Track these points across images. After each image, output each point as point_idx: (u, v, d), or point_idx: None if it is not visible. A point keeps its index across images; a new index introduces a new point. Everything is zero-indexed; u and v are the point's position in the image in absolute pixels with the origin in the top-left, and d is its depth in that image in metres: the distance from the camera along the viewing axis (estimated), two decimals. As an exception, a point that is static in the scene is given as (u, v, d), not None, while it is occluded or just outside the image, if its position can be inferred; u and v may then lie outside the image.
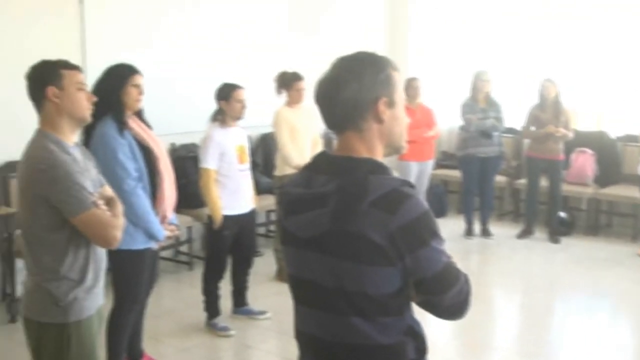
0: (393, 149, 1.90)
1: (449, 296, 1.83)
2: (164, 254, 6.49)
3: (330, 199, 1.77)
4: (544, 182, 7.70)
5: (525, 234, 7.86)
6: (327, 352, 1.89)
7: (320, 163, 1.89)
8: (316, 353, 1.94)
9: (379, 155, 1.86)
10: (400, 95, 1.86)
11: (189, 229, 6.49)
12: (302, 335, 1.98)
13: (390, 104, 1.83)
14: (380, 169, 1.80)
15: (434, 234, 1.77)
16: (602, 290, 6.24)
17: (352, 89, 1.78)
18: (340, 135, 1.87)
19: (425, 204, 1.77)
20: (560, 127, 7.36)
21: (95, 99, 2.83)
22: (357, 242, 1.73)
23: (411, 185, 1.78)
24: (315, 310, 1.90)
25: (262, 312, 5.40)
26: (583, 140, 8.10)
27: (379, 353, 1.83)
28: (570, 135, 7.46)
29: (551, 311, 5.97)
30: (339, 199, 1.76)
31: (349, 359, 1.85)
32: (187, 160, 6.61)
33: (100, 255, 2.86)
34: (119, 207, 2.86)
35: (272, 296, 5.85)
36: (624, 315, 5.72)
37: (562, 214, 7.92)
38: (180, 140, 6.74)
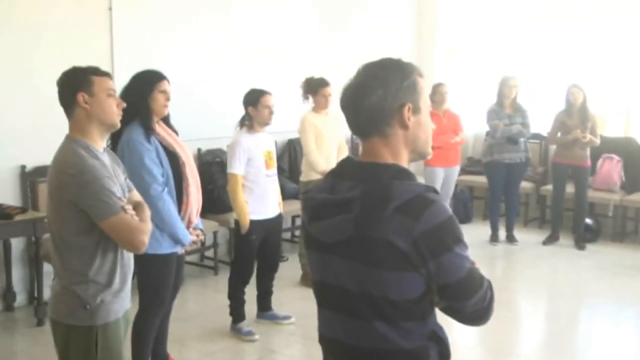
0: (418, 155, 1.90)
1: (472, 302, 1.84)
2: (190, 258, 6.54)
3: (354, 205, 1.78)
4: (570, 189, 7.66)
5: (551, 240, 7.81)
6: (351, 357, 1.90)
7: (345, 169, 1.90)
8: (340, 357, 1.95)
9: (404, 161, 1.87)
10: (425, 102, 1.87)
11: (215, 234, 6.53)
12: (326, 340, 2.00)
13: (416, 110, 1.83)
14: (405, 174, 1.81)
15: (458, 240, 1.77)
16: (628, 297, 6.18)
17: (378, 96, 1.79)
18: (365, 141, 1.88)
19: (449, 210, 1.77)
20: (586, 133, 7.33)
21: (124, 105, 2.87)
22: (381, 248, 1.74)
23: (435, 191, 1.79)
24: (339, 315, 1.91)
25: (287, 317, 5.42)
26: (610, 146, 8.04)
27: (402, 358, 1.84)
28: (597, 141, 7.42)
29: (576, 318, 5.93)
30: (363, 204, 1.76)
31: None
32: (213, 166, 6.67)
33: (128, 259, 2.90)
34: (147, 212, 2.90)
35: (296, 301, 5.87)
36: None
37: (588, 221, 7.87)
38: (206, 146, 6.79)
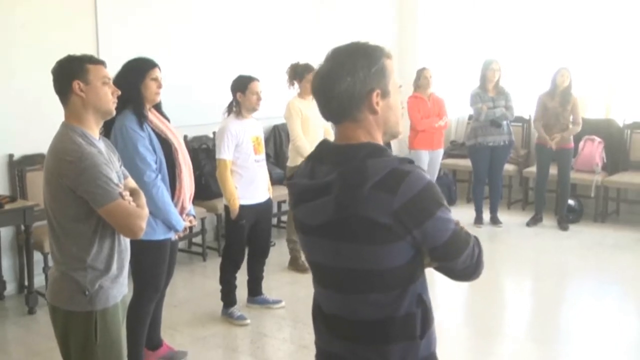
0: (389, 136, 1.97)
1: (462, 260, 1.93)
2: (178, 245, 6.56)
3: (333, 187, 1.84)
4: (552, 170, 7.76)
5: (534, 221, 7.93)
6: (346, 329, 1.98)
7: (322, 153, 1.97)
8: (336, 331, 2.01)
9: (378, 141, 1.93)
10: (394, 84, 1.93)
11: (203, 220, 6.57)
12: (321, 314, 2.06)
13: (384, 94, 1.90)
14: (379, 151, 1.87)
15: (439, 204, 1.84)
16: (611, 276, 6.30)
17: (347, 83, 1.85)
18: (338, 126, 1.95)
19: (426, 177, 1.84)
20: (565, 116, 7.48)
21: (119, 92, 2.90)
22: (364, 226, 1.81)
23: (411, 161, 1.86)
24: (332, 291, 1.99)
25: (277, 301, 5.48)
26: (591, 128, 8.15)
27: (393, 326, 1.91)
28: (578, 129, 7.55)
29: (560, 297, 6.03)
30: (341, 185, 1.83)
31: (367, 335, 1.94)
32: (199, 152, 6.69)
33: (125, 245, 2.93)
34: (143, 198, 2.94)
35: (286, 285, 5.94)
36: (633, 301, 5.77)
37: (571, 202, 7.98)
38: (192, 133, 6.80)
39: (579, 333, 5.05)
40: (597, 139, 8.07)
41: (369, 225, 1.80)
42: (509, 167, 8.33)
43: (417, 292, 1.93)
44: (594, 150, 8.04)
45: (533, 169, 8.11)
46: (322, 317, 2.06)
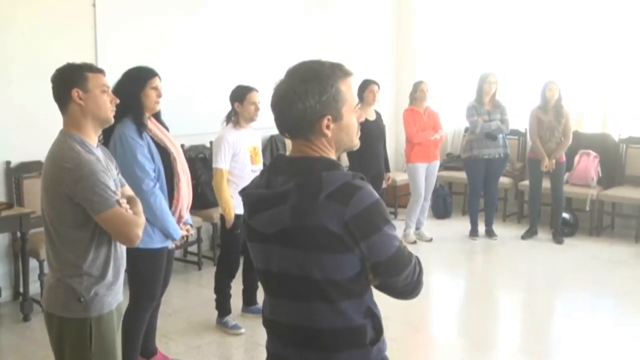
0: (343, 150, 2.08)
1: (403, 277, 2.02)
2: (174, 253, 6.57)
3: (289, 197, 1.93)
4: (546, 184, 7.79)
5: (529, 234, 7.95)
6: (296, 337, 2.05)
7: (278, 164, 2.07)
8: (286, 339, 2.08)
9: (332, 156, 2.03)
10: (348, 107, 2.01)
11: (198, 229, 6.56)
12: (272, 323, 2.13)
13: (335, 118, 1.99)
14: (333, 165, 1.98)
15: (386, 221, 1.95)
16: (605, 290, 6.31)
17: (298, 109, 1.96)
18: (293, 141, 2.05)
19: (375, 195, 1.94)
20: (560, 129, 7.51)
21: (118, 101, 2.92)
22: (317, 233, 1.90)
23: (362, 178, 1.96)
24: (282, 300, 2.06)
25: (272, 311, 5.47)
26: (587, 142, 8.21)
27: (343, 335, 1.99)
28: (568, 142, 7.59)
29: (554, 311, 6.05)
30: (297, 195, 1.92)
31: (317, 342, 2.01)
32: (196, 161, 6.71)
33: (121, 253, 2.95)
34: (140, 206, 2.96)
35: (280, 295, 5.93)
36: (627, 315, 5.77)
37: (566, 215, 8.01)
38: (189, 142, 6.82)
39: (573, 347, 5.05)
40: (593, 153, 8.11)
41: (321, 233, 1.89)
42: (504, 180, 8.36)
43: (365, 305, 2.02)
44: (589, 164, 8.08)
45: (528, 182, 8.13)
46: (271, 325, 2.13)
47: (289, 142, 5.98)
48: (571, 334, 5.29)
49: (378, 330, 2.06)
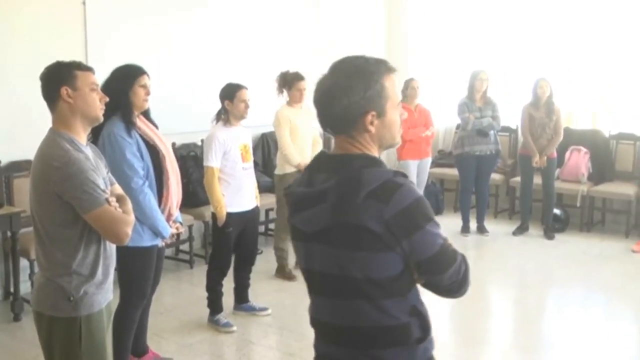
0: (386, 147, 2.05)
1: (448, 276, 1.97)
2: (165, 252, 6.55)
3: (329, 195, 1.92)
4: (538, 180, 7.81)
5: (521, 230, 7.96)
6: (340, 336, 2.03)
7: (320, 162, 2.05)
8: (330, 338, 2.07)
9: (374, 153, 2.00)
10: (392, 102, 1.99)
11: (190, 227, 6.56)
12: (317, 322, 2.13)
13: (380, 115, 1.96)
14: (373, 162, 1.95)
15: (428, 218, 1.91)
16: (596, 285, 6.33)
17: (342, 105, 1.93)
18: (335, 137, 2.03)
19: (418, 192, 1.91)
20: (551, 126, 7.55)
21: (107, 99, 2.91)
22: (357, 232, 1.88)
23: (404, 175, 1.92)
24: (325, 298, 2.05)
25: (264, 309, 5.48)
26: (577, 138, 8.23)
27: (387, 333, 1.97)
28: (559, 139, 7.63)
29: (546, 306, 6.08)
30: (337, 194, 1.90)
31: (361, 340, 1.99)
32: (187, 160, 6.70)
33: (110, 251, 2.94)
34: (129, 205, 2.95)
35: (272, 293, 5.94)
36: (618, 310, 5.80)
37: (557, 211, 8.04)
38: (181, 140, 6.81)
39: (565, 342, 5.06)
40: (583, 149, 8.13)
41: (361, 232, 1.87)
42: (495, 177, 8.38)
43: (410, 304, 1.99)
44: (580, 160, 8.10)
45: (519, 178, 8.15)
46: (317, 323, 2.12)
47: (284, 140, 6.01)
48: (563, 330, 5.31)
49: (425, 329, 2.02)
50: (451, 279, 1.98)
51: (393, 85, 1.99)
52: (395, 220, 1.85)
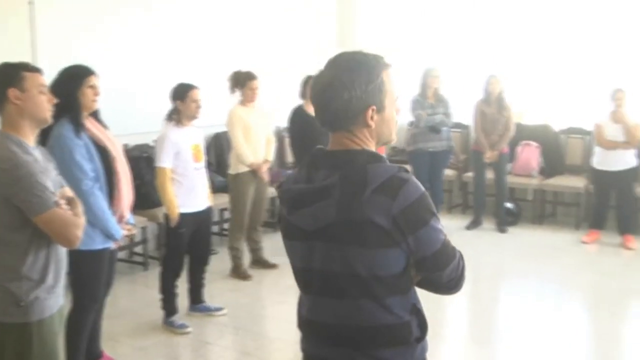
0: (382, 143, 2.04)
1: (447, 272, 1.98)
2: (119, 255, 6.47)
3: (333, 191, 1.89)
4: (490, 175, 7.92)
5: (474, 224, 8.07)
6: (340, 337, 2.00)
7: (318, 159, 2.00)
8: (327, 339, 2.03)
9: (372, 149, 1.99)
10: (391, 97, 1.99)
11: (144, 229, 6.50)
12: (311, 323, 2.08)
13: (379, 109, 1.95)
14: (377, 158, 1.93)
15: (432, 214, 1.92)
16: (549, 276, 6.46)
17: (344, 99, 1.91)
18: (333, 133, 2.00)
19: (422, 187, 1.91)
20: (503, 122, 7.70)
21: (55, 100, 2.87)
22: (364, 228, 1.86)
23: (407, 171, 1.92)
24: (326, 298, 2.00)
25: (219, 309, 5.46)
26: (528, 133, 8.39)
27: (389, 331, 1.96)
28: (510, 134, 7.77)
29: (500, 298, 6.18)
30: (343, 189, 1.88)
31: (363, 339, 1.97)
32: (140, 161, 6.61)
33: (61, 255, 2.89)
34: (80, 207, 2.90)
35: (227, 293, 5.93)
36: (570, 300, 5.92)
37: (509, 205, 8.16)
38: (133, 141, 6.73)
39: (518, 332, 5.15)
40: (534, 144, 8.28)
41: (369, 228, 1.85)
42: (448, 172, 8.47)
43: (410, 302, 1.99)
44: (531, 154, 8.24)
45: (472, 174, 8.25)
46: (311, 324, 2.08)
47: (237, 140, 5.99)
48: (516, 320, 5.40)
49: (423, 327, 2.03)
50: (450, 275, 1.99)
51: (390, 80, 1.99)
52: (402, 215, 1.84)
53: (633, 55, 8.00)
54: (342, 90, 1.90)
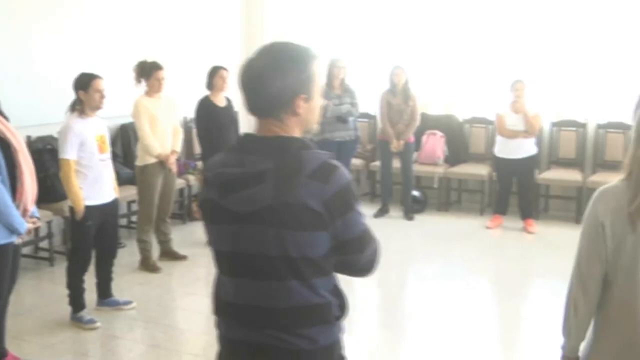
0: (305, 132, 2.10)
1: (366, 255, 2.10)
2: (23, 250, 6.30)
3: (269, 175, 1.94)
4: (397, 164, 8.08)
5: (382, 213, 8.22)
6: (266, 319, 2.03)
7: (248, 144, 2.06)
8: (252, 322, 2.06)
9: (298, 135, 2.05)
10: (318, 87, 2.06)
11: (49, 223, 6.33)
12: (234, 307, 2.09)
13: (308, 98, 2.02)
14: (308, 145, 2.00)
15: (357, 200, 2.03)
16: (454, 260, 6.70)
17: (276, 86, 1.97)
18: (260, 119, 2.05)
19: (349, 175, 2.01)
20: (408, 112, 7.89)
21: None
22: (299, 211, 1.92)
23: (335, 158, 2.00)
24: (255, 281, 2.03)
25: (128, 302, 5.40)
26: (433, 123, 8.60)
27: (314, 311, 2.03)
28: (416, 124, 7.97)
29: (408, 283, 6.36)
30: (279, 174, 1.94)
31: (288, 320, 2.02)
32: (44, 153, 6.42)
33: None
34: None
35: (136, 286, 5.87)
36: (474, 280, 6.13)
37: (415, 193, 8.35)
38: (36, 133, 6.52)
39: (427, 314, 5.32)
40: (439, 133, 8.49)
41: (302, 211, 1.92)
42: (356, 162, 8.58)
43: (332, 283, 2.08)
44: (436, 144, 8.45)
45: (379, 163, 8.39)
46: (232, 308, 2.10)
47: (144, 131, 5.93)
48: (424, 303, 5.57)
49: (343, 308, 2.12)
50: (367, 257, 2.11)
51: (319, 71, 2.05)
52: (333, 199, 1.93)
53: (532, 47, 8.29)
54: (275, 78, 1.97)
